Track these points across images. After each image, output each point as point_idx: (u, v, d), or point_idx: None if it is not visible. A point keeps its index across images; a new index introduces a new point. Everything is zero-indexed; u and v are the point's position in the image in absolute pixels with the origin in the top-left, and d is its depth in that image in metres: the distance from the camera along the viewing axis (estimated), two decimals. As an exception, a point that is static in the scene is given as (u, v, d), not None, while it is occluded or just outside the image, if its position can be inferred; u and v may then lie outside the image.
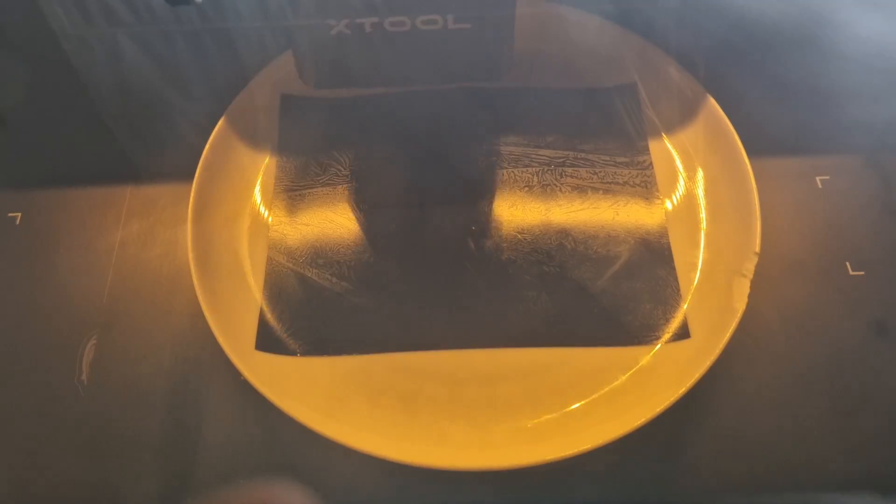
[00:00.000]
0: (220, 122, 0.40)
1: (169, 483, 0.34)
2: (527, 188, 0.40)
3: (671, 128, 0.41)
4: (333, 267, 0.37)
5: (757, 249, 0.35)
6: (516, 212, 0.39)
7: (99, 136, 0.44)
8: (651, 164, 0.40)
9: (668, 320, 0.35)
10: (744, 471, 0.33)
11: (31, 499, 0.34)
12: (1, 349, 0.37)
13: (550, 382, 0.34)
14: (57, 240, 0.40)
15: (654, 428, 0.31)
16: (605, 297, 0.36)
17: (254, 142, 0.41)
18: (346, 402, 0.34)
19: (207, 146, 0.39)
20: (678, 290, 0.36)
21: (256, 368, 0.33)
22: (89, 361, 0.36)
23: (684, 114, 0.40)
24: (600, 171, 0.40)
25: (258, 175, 0.40)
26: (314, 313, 0.36)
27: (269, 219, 0.39)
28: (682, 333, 0.35)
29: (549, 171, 0.40)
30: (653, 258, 0.37)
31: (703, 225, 0.38)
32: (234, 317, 0.35)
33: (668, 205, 0.39)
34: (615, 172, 0.40)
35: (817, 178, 0.41)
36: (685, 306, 0.36)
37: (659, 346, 0.35)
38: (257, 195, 0.40)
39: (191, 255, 0.36)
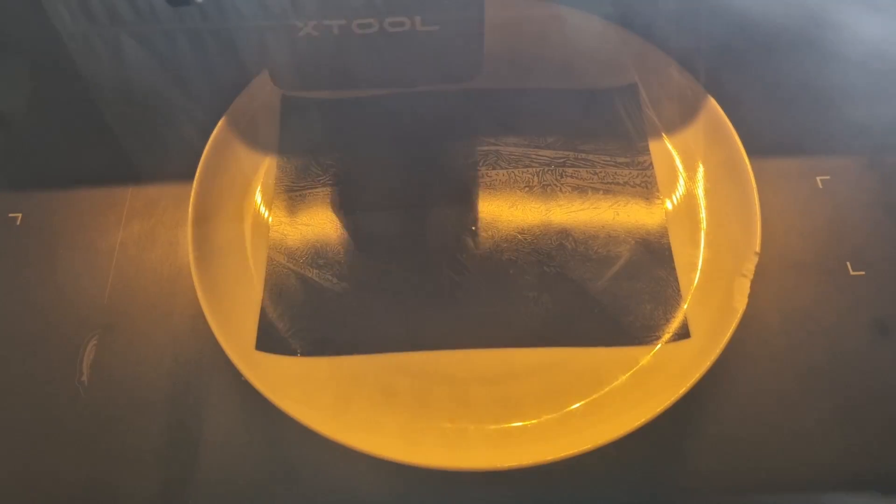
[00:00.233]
0: (221, 123, 0.40)
1: (170, 485, 0.34)
2: (527, 188, 0.40)
3: (672, 128, 0.41)
4: (334, 267, 0.37)
5: (757, 249, 0.35)
6: (516, 212, 0.39)
7: (100, 136, 0.44)
8: (651, 164, 0.40)
9: (668, 320, 0.35)
10: (744, 471, 0.33)
11: (31, 500, 0.34)
12: (1, 350, 0.37)
13: (551, 382, 0.34)
14: (58, 240, 0.40)
15: (655, 428, 0.31)
16: (605, 298, 0.36)
17: (254, 142, 0.41)
18: (347, 402, 0.33)
19: (208, 147, 0.39)
20: (678, 291, 0.36)
21: (257, 369, 0.33)
22: (90, 362, 0.36)
23: (685, 114, 0.40)
24: (600, 172, 0.40)
25: (258, 175, 0.40)
26: (315, 313, 0.36)
27: (270, 219, 0.39)
28: (683, 333, 0.35)
29: (550, 172, 0.40)
30: (653, 258, 0.37)
31: (704, 225, 0.38)
32: (235, 317, 0.35)
33: (669, 205, 0.39)
34: (615, 173, 0.40)
35: (818, 179, 0.41)
36: (685, 306, 0.36)
37: (659, 346, 0.35)
38: (258, 196, 0.40)
39: (191, 256, 0.36)
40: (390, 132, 0.42)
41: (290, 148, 0.41)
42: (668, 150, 0.41)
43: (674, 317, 0.35)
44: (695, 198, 0.39)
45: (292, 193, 0.40)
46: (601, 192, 0.39)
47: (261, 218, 0.39)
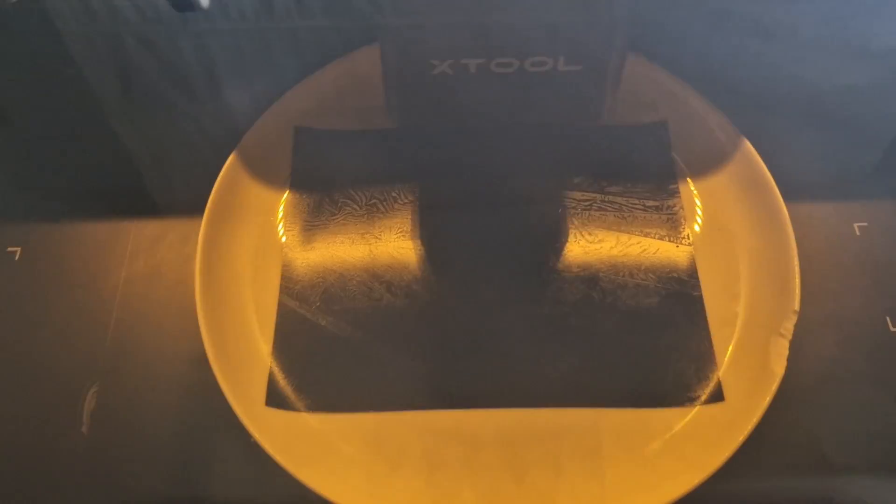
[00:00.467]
0: (232, 157, 0.38)
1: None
2: (553, 235, 0.38)
3: (703, 171, 0.39)
4: (349, 315, 0.36)
5: (796, 307, 0.33)
6: (541, 260, 0.37)
7: (104, 166, 0.42)
8: (682, 208, 0.38)
9: (700, 381, 0.34)
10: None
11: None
12: (-3, 397, 0.35)
13: (575, 446, 0.32)
14: (58, 277, 0.39)
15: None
16: (633, 354, 0.35)
17: (266, 177, 0.39)
18: (361, 464, 0.32)
19: (218, 182, 0.37)
20: (711, 348, 0.34)
21: (266, 427, 0.32)
22: (91, 411, 0.35)
23: (717, 156, 0.39)
24: (628, 216, 0.38)
25: (269, 213, 0.39)
26: (327, 366, 0.34)
27: (281, 261, 0.37)
28: (717, 396, 0.33)
29: (577, 216, 0.38)
30: (684, 312, 0.35)
31: (738, 278, 0.36)
32: (243, 369, 0.34)
33: (701, 254, 0.37)
34: (644, 217, 0.38)
35: (855, 225, 0.39)
36: (719, 367, 0.34)
37: (692, 410, 0.33)
38: (268, 235, 0.38)
39: (198, 301, 0.34)
40: (408, 168, 0.40)
41: (302, 183, 0.39)
42: (699, 194, 0.39)
43: (707, 377, 0.34)
44: (728, 247, 0.37)
45: (305, 233, 0.38)
46: (629, 238, 0.37)
47: (271, 259, 0.37)
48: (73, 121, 0.43)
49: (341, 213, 0.39)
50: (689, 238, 0.37)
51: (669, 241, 0.37)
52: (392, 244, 0.38)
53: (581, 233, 0.38)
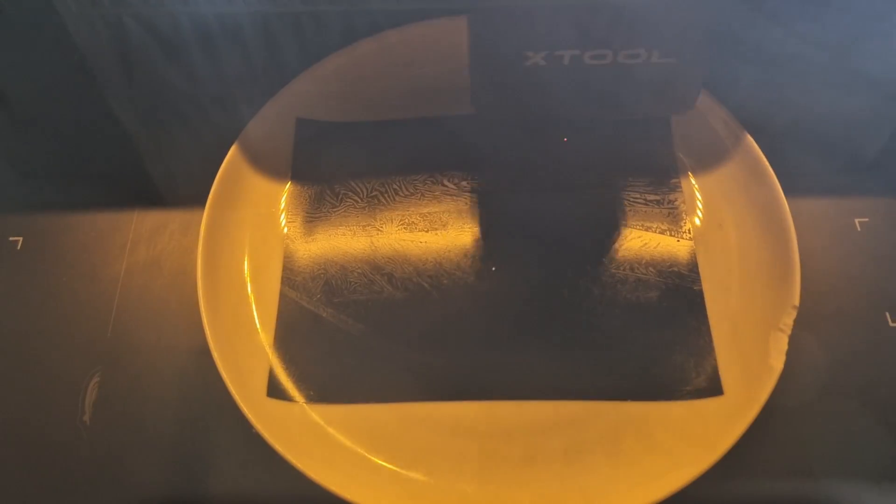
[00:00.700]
0: (234, 147, 0.38)
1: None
2: (554, 228, 0.38)
3: (705, 165, 0.39)
4: (350, 307, 0.36)
5: (796, 303, 0.33)
6: (542, 253, 0.37)
7: (105, 155, 0.42)
8: (683, 203, 0.38)
9: (699, 374, 0.34)
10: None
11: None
12: (-1, 386, 0.35)
13: (574, 438, 0.33)
14: (59, 267, 0.39)
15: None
16: (633, 348, 0.35)
17: (267, 168, 0.39)
18: (362, 456, 0.32)
19: (220, 173, 0.37)
20: (710, 342, 0.35)
21: (268, 417, 0.32)
22: (92, 401, 0.35)
23: (720, 151, 0.38)
24: (630, 211, 0.38)
25: (271, 204, 0.39)
26: (328, 357, 0.35)
27: (282, 252, 0.37)
28: (715, 389, 0.33)
29: (579, 210, 0.38)
30: (684, 306, 0.36)
31: (738, 272, 0.36)
32: (245, 359, 0.34)
33: (701, 249, 0.37)
34: (646, 212, 0.38)
35: (856, 220, 0.39)
36: (718, 361, 0.34)
37: (691, 403, 0.33)
38: (270, 226, 0.38)
39: (200, 294, 0.34)
40: (410, 159, 0.40)
41: (304, 174, 0.39)
42: (701, 189, 0.39)
43: (706, 371, 0.34)
44: (729, 242, 0.37)
45: (306, 225, 0.38)
46: (630, 232, 0.37)
47: (274, 249, 0.37)
48: (74, 109, 0.42)
49: (343, 204, 0.39)
50: (689, 232, 0.38)
51: (670, 235, 0.37)
52: (393, 236, 0.38)
53: (583, 227, 0.38)
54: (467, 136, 0.40)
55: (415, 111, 0.40)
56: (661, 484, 0.30)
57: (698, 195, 0.39)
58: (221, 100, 0.42)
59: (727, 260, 0.37)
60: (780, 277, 0.34)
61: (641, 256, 0.37)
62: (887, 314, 0.36)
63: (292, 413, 0.33)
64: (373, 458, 0.32)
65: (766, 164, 0.37)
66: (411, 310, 0.36)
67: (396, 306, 0.36)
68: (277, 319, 0.35)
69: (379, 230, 0.38)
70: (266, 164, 0.39)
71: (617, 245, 0.37)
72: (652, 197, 0.39)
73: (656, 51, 0.34)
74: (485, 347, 0.35)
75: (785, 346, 0.33)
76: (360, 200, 0.39)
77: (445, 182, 0.39)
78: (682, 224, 0.38)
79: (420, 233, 0.38)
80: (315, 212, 0.38)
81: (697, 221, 0.38)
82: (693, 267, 0.37)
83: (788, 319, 0.33)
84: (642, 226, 0.38)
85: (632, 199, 0.38)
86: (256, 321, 0.35)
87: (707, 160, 0.39)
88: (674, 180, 0.39)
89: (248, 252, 0.37)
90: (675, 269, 0.36)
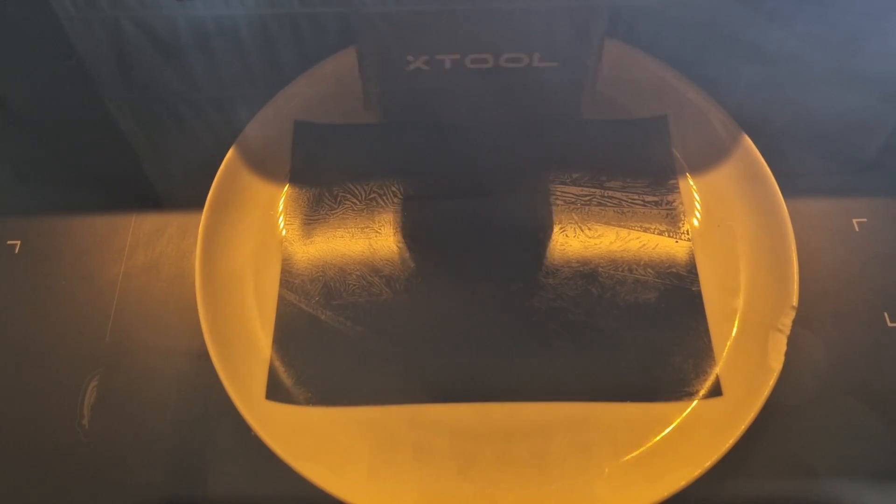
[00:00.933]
0: (232, 150, 0.38)
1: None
2: (550, 227, 0.38)
3: (703, 166, 0.39)
4: (349, 309, 0.36)
5: (795, 303, 0.33)
6: (540, 253, 0.37)
7: (103, 159, 0.42)
8: (681, 203, 0.38)
9: (699, 376, 0.34)
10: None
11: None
12: (-3, 390, 0.35)
13: (575, 440, 0.33)
14: (58, 270, 0.39)
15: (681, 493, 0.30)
16: (632, 349, 0.35)
17: (265, 171, 0.39)
18: (361, 458, 0.32)
19: (218, 176, 0.37)
20: (709, 343, 0.35)
21: (267, 420, 0.32)
22: (91, 404, 0.35)
23: (718, 151, 0.39)
24: (628, 211, 0.38)
25: (269, 207, 0.39)
26: (328, 360, 0.34)
27: (281, 255, 0.37)
28: (715, 391, 0.33)
29: (576, 211, 0.38)
30: (683, 307, 0.36)
31: (737, 273, 0.36)
32: (244, 363, 0.34)
33: (700, 250, 0.37)
34: (644, 213, 0.38)
35: (854, 221, 0.39)
36: (717, 361, 0.34)
37: (690, 404, 0.33)
38: (268, 229, 0.38)
39: (199, 297, 0.34)
40: (408, 162, 0.40)
41: (302, 177, 0.39)
42: (699, 189, 0.39)
43: (705, 372, 0.34)
44: (727, 242, 0.37)
45: (305, 227, 0.38)
46: (629, 233, 0.38)
47: (272, 253, 0.37)
48: (72, 112, 0.43)
49: (341, 207, 0.39)
50: (688, 233, 0.38)
51: (668, 236, 0.37)
52: (392, 238, 0.38)
53: (580, 228, 0.38)
54: (467, 139, 0.40)
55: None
56: (661, 485, 0.30)
57: (696, 196, 0.39)
58: (219, 102, 0.42)
59: (725, 261, 0.37)
60: (778, 278, 0.34)
61: (640, 257, 0.37)
62: (886, 314, 0.37)
63: (291, 415, 0.33)
64: (371, 460, 0.32)
65: (764, 164, 0.37)
66: (410, 312, 0.36)
67: (395, 309, 0.36)
68: (276, 322, 0.35)
69: (377, 232, 0.38)
70: (264, 166, 0.39)
71: (615, 246, 0.37)
72: (650, 198, 0.39)
73: (537, 55, 0.34)
74: (484, 349, 0.35)
75: (784, 347, 0.33)
76: (358, 203, 0.39)
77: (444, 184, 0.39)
78: (681, 225, 0.38)
79: (418, 235, 0.38)
80: (313, 214, 0.38)
81: (696, 222, 0.38)
82: (691, 268, 0.37)
83: (787, 320, 0.33)
84: (640, 227, 0.38)
85: (630, 200, 0.39)
86: (255, 323, 0.35)
87: (705, 161, 0.39)
88: (672, 181, 0.39)
89: (246, 255, 0.37)
90: (674, 269, 0.36)
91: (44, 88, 0.40)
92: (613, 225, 0.38)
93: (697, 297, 0.36)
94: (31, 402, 0.35)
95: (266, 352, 0.35)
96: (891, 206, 0.40)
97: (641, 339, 0.35)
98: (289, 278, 0.36)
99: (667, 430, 0.32)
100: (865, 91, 0.40)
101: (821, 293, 0.37)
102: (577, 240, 0.37)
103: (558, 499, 0.31)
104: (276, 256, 0.37)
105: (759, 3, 0.40)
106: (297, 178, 0.39)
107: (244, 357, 0.34)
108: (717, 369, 0.34)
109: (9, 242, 0.39)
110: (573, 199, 0.39)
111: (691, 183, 0.39)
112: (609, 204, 0.38)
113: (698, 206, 0.38)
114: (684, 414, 0.33)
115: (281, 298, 0.36)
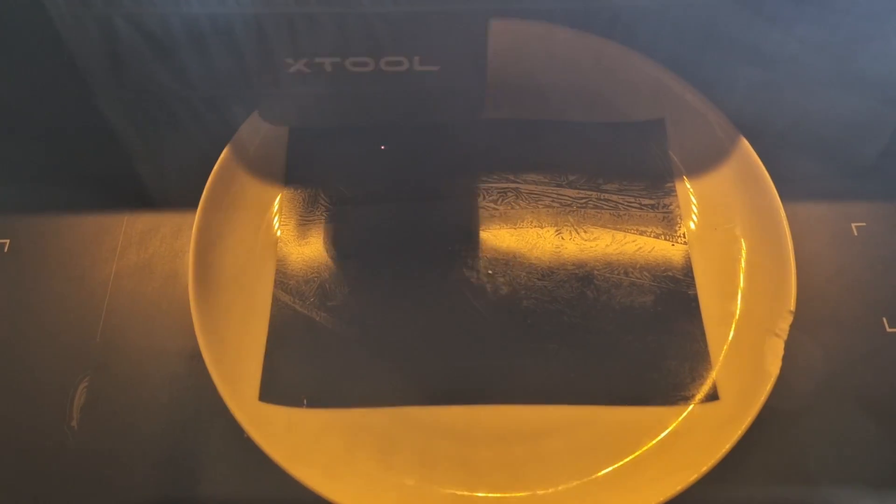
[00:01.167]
0: (226, 150, 0.37)
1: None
2: (547, 231, 0.37)
3: (700, 169, 0.39)
4: (343, 311, 0.35)
5: (792, 308, 0.33)
6: (536, 256, 0.37)
7: (95, 156, 0.41)
8: (678, 207, 0.38)
9: (695, 380, 0.33)
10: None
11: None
12: (-15, 391, 0.35)
13: (569, 444, 0.32)
14: (48, 270, 0.38)
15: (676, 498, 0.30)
16: (628, 352, 0.34)
17: (261, 171, 0.38)
18: (354, 461, 0.32)
19: (212, 175, 0.36)
20: (706, 347, 0.34)
21: (259, 422, 0.31)
22: (80, 406, 0.34)
23: (715, 155, 0.38)
24: (624, 214, 0.38)
25: (264, 208, 0.38)
26: (322, 361, 0.34)
27: (275, 256, 0.37)
28: (711, 395, 0.33)
29: (572, 213, 0.38)
30: (679, 311, 0.35)
31: (734, 277, 0.36)
32: (237, 364, 0.33)
33: (696, 253, 0.37)
34: (640, 216, 0.38)
35: (853, 225, 0.39)
36: (714, 366, 0.34)
37: (687, 409, 0.33)
38: (263, 229, 0.38)
39: (192, 298, 0.33)
40: (404, 165, 0.40)
41: (297, 178, 0.39)
42: (696, 193, 0.39)
43: (702, 376, 0.33)
44: (724, 246, 0.37)
45: (299, 229, 0.38)
46: (625, 236, 0.37)
47: (266, 252, 0.37)
48: (64, 110, 0.42)
49: (337, 208, 0.38)
50: (684, 237, 0.37)
51: (665, 239, 0.37)
52: (387, 241, 0.37)
53: (577, 230, 0.37)
54: (467, 140, 0.40)
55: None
56: (656, 489, 0.29)
57: (693, 199, 0.38)
58: (214, 101, 0.42)
59: (723, 264, 0.36)
60: (776, 282, 0.34)
61: (636, 261, 0.37)
62: (884, 319, 0.36)
63: (284, 417, 0.32)
64: (365, 462, 0.31)
65: (762, 167, 0.36)
66: (405, 314, 0.35)
67: (390, 311, 0.35)
68: (270, 323, 0.35)
69: (373, 233, 0.37)
70: (259, 166, 0.38)
71: (611, 249, 0.37)
72: (646, 201, 0.38)
73: (417, 58, 0.33)
74: (479, 352, 0.34)
75: (781, 351, 0.32)
76: (355, 205, 0.38)
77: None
78: (677, 228, 0.38)
79: (413, 236, 0.37)
80: (309, 215, 0.38)
81: (692, 226, 0.38)
82: (688, 271, 0.36)
83: (784, 324, 0.33)
84: (637, 230, 0.37)
85: (626, 203, 0.38)
86: (249, 325, 0.35)
87: (702, 164, 0.39)
88: (668, 184, 0.39)
89: (240, 255, 0.37)
90: (670, 273, 0.36)
91: (34, 86, 0.39)
92: (609, 228, 0.38)
93: (694, 300, 0.36)
94: (20, 403, 0.35)
95: (259, 353, 0.34)
96: (890, 211, 0.40)
97: (637, 343, 0.35)
98: (283, 279, 0.36)
99: (663, 435, 0.32)
100: (864, 94, 0.40)
101: (819, 298, 0.37)
102: (572, 242, 0.37)
103: (554, 503, 0.30)
104: (270, 257, 0.37)
105: (757, 6, 0.40)
106: (292, 178, 0.39)
107: (237, 358, 0.34)
108: (714, 374, 0.34)
109: (-2, 241, 0.39)
110: (569, 202, 0.38)
111: (688, 186, 0.39)
112: (605, 206, 0.38)
113: (695, 210, 0.38)
114: (680, 418, 0.32)
115: (275, 299, 0.36)
